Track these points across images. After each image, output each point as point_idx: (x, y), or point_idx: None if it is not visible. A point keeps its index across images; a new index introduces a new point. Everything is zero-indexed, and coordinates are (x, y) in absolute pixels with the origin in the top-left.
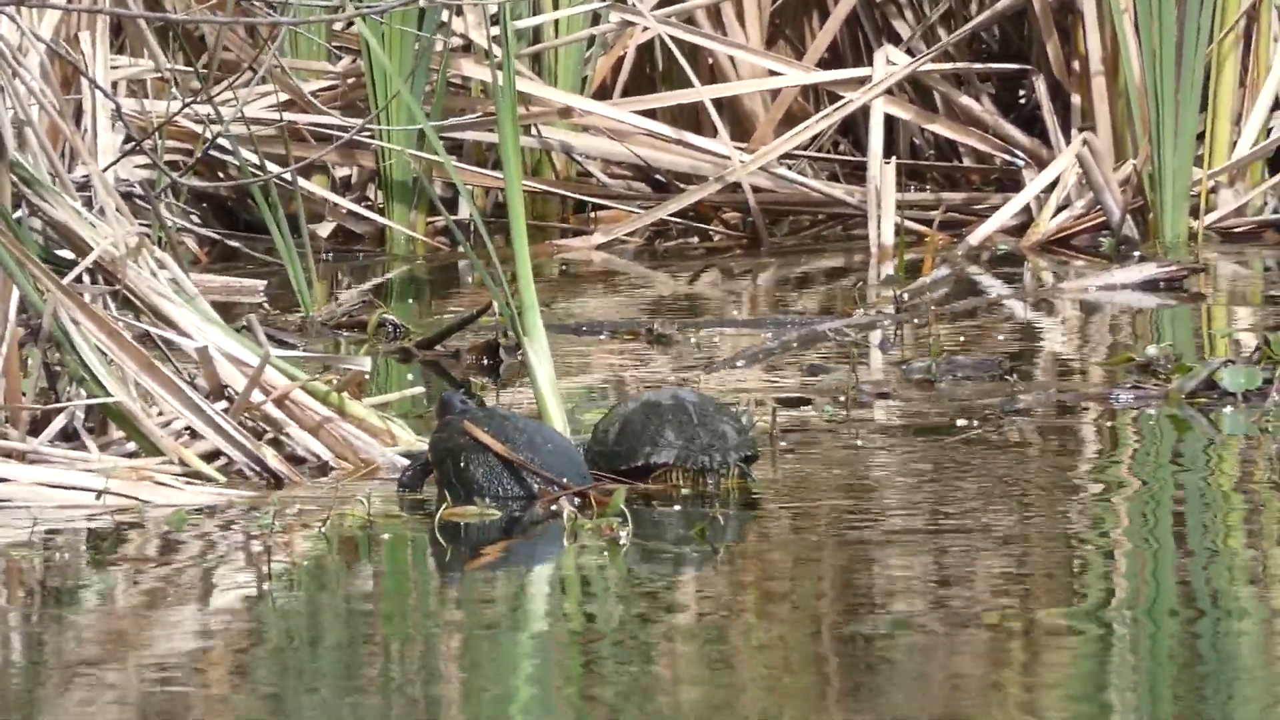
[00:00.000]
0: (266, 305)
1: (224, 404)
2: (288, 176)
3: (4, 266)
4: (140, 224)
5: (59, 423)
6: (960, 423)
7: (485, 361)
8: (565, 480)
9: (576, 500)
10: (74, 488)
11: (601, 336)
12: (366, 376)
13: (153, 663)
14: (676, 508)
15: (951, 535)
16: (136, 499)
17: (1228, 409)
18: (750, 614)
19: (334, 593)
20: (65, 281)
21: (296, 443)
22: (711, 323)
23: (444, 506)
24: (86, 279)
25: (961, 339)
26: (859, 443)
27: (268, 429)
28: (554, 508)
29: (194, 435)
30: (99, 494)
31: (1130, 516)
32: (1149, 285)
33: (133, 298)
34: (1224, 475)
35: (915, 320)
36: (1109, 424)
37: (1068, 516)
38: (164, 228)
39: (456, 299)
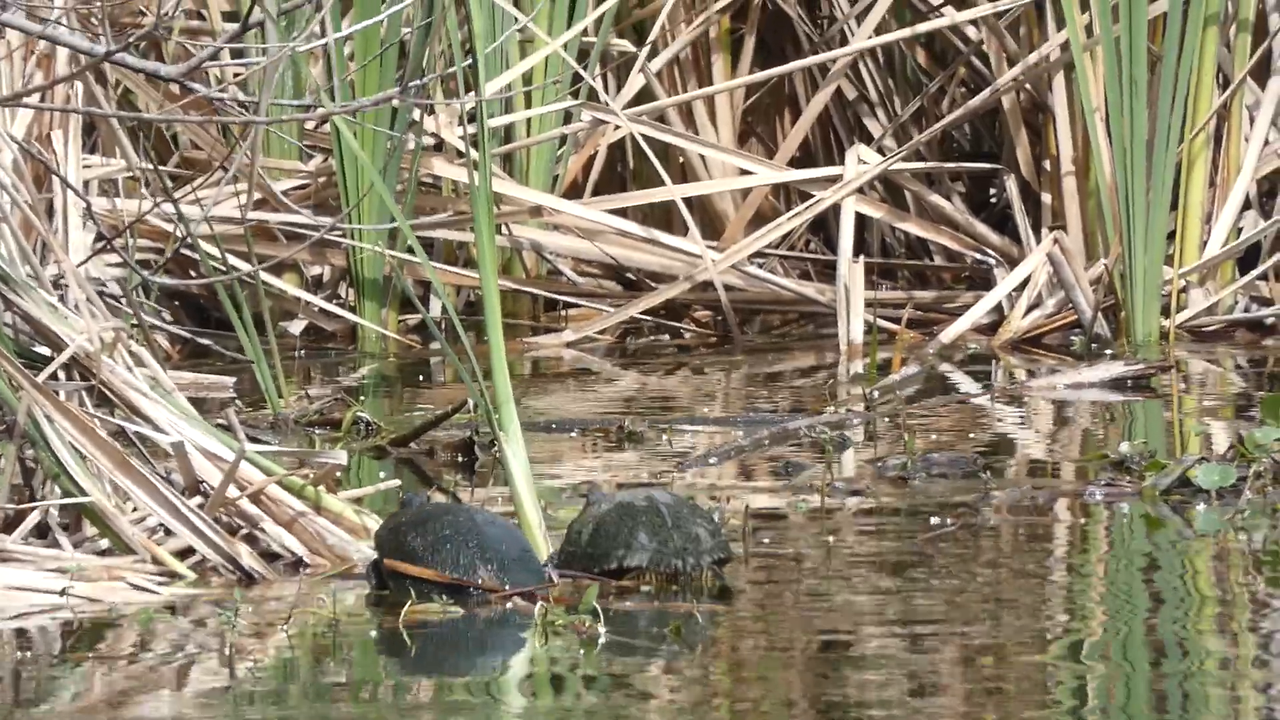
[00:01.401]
0: (238, 403)
1: (199, 499)
2: (256, 275)
3: None
4: (113, 322)
5: (33, 520)
6: (934, 520)
7: (460, 459)
8: (508, 562)
9: (533, 596)
10: (37, 590)
11: (572, 434)
12: (342, 471)
13: None
14: (648, 605)
15: (925, 639)
16: (99, 600)
17: (1201, 506)
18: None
19: (299, 694)
20: (40, 378)
21: (271, 538)
22: (682, 420)
23: (408, 605)
24: (62, 375)
25: (933, 436)
26: (831, 539)
27: (242, 524)
28: (508, 605)
29: (169, 532)
30: (62, 592)
31: (1103, 615)
32: (1116, 384)
33: (108, 393)
34: (1197, 574)
35: (884, 418)
36: (1082, 521)
37: (1040, 616)
38: (139, 324)
39: (429, 396)
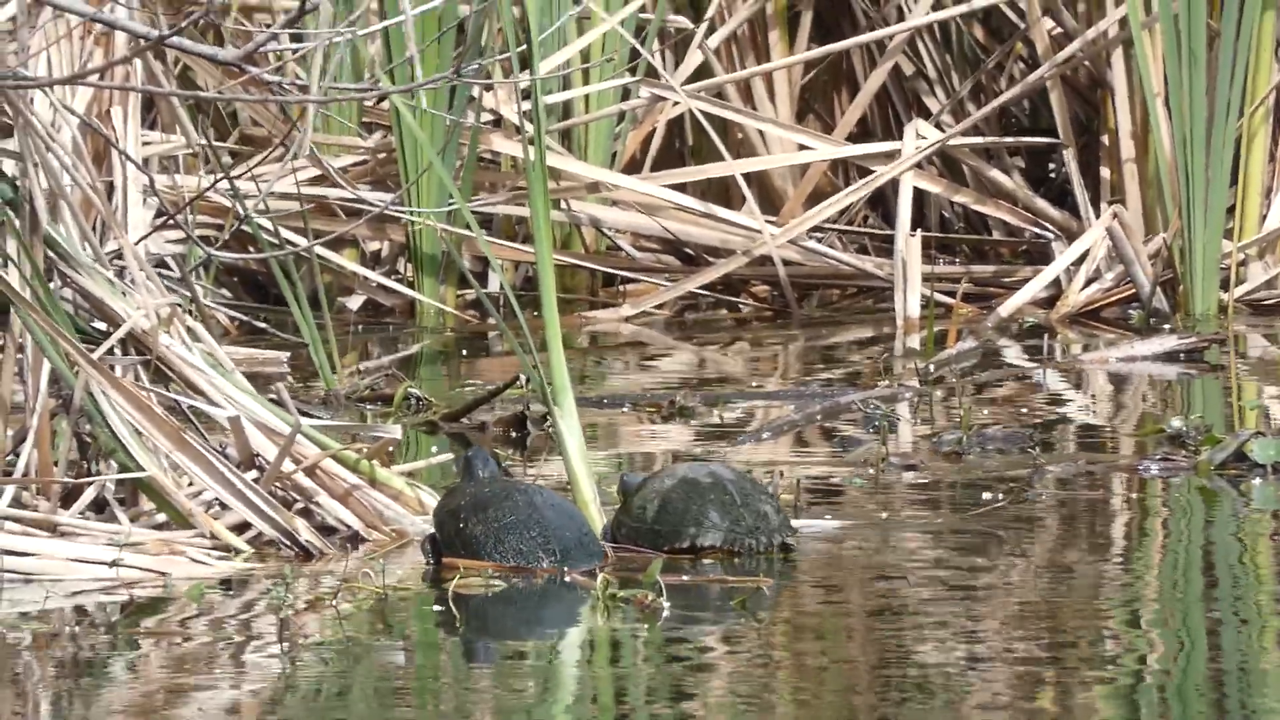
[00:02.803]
0: (290, 378)
1: (254, 473)
2: (311, 250)
3: (36, 340)
4: (170, 298)
5: (89, 494)
6: (985, 495)
7: (512, 434)
8: (570, 548)
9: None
10: (94, 563)
11: (624, 409)
12: (396, 444)
13: None
14: (708, 579)
15: (981, 609)
16: (157, 573)
17: (1257, 480)
18: (797, 686)
19: (356, 668)
20: (97, 355)
21: (327, 512)
22: (733, 396)
23: (454, 578)
24: (118, 350)
25: (985, 411)
26: (884, 515)
27: (298, 499)
28: (567, 580)
29: (224, 507)
30: (112, 564)
31: (1158, 588)
32: (1170, 357)
33: (164, 368)
34: (1249, 547)
35: (938, 392)
36: (1136, 495)
37: (1095, 587)
38: (196, 301)
39: (485, 372)
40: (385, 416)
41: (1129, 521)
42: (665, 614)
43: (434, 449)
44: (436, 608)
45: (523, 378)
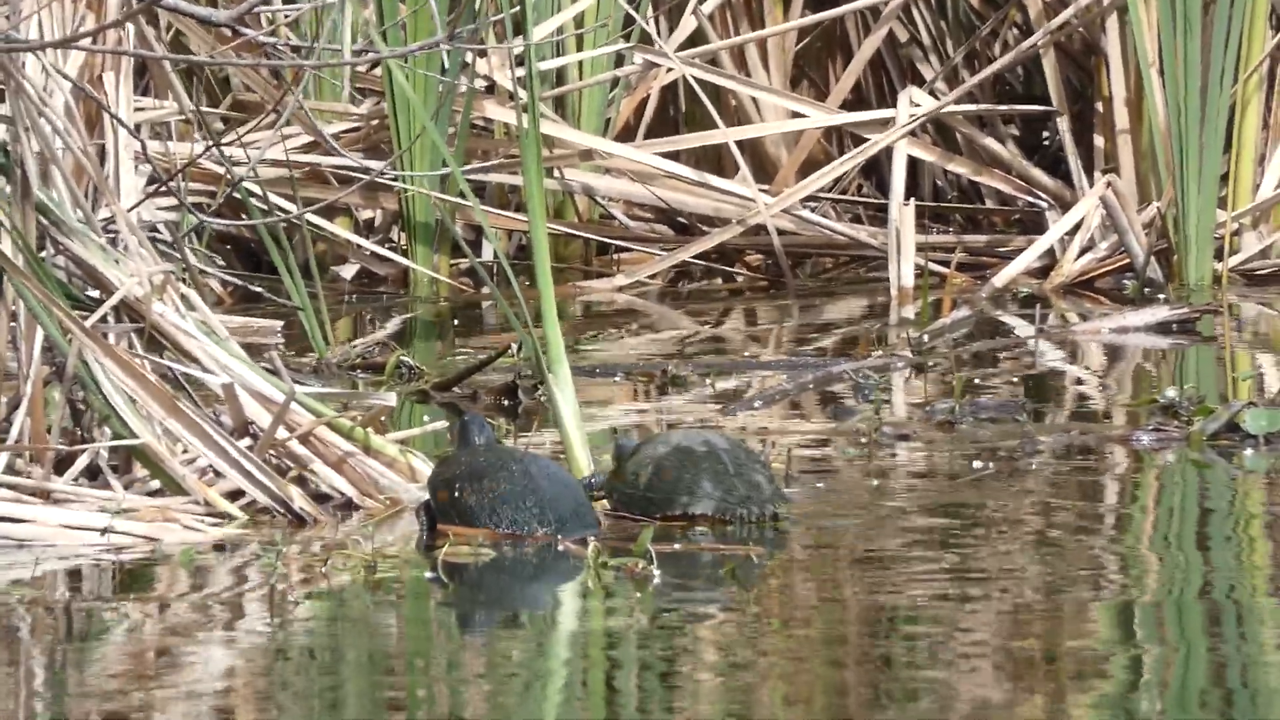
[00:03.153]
0: (280, 347)
1: (248, 441)
2: (301, 218)
3: (29, 307)
4: (163, 265)
5: (83, 461)
6: (976, 464)
7: (503, 403)
8: (565, 518)
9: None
10: (88, 529)
11: (616, 379)
12: (390, 412)
13: (119, 701)
14: (699, 548)
15: (970, 579)
16: (146, 537)
17: (1249, 451)
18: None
19: (338, 636)
20: (90, 322)
21: (321, 479)
22: (725, 365)
23: (444, 546)
24: (111, 318)
25: (975, 381)
26: (875, 483)
27: (292, 466)
28: (560, 548)
29: (218, 474)
30: (103, 532)
31: (1141, 556)
32: (1162, 327)
33: (158, 336)
34: (1238, 515)
35: (929, 362)
36: (1127, 465)
37: (1083, 558)
38: (188, 268)
39: (479, 340)
40: (377, 385)
41: (1118, 491)
42: (655, 582)
43: (426, 418)
44: (427, 575)
45: (514, 346)
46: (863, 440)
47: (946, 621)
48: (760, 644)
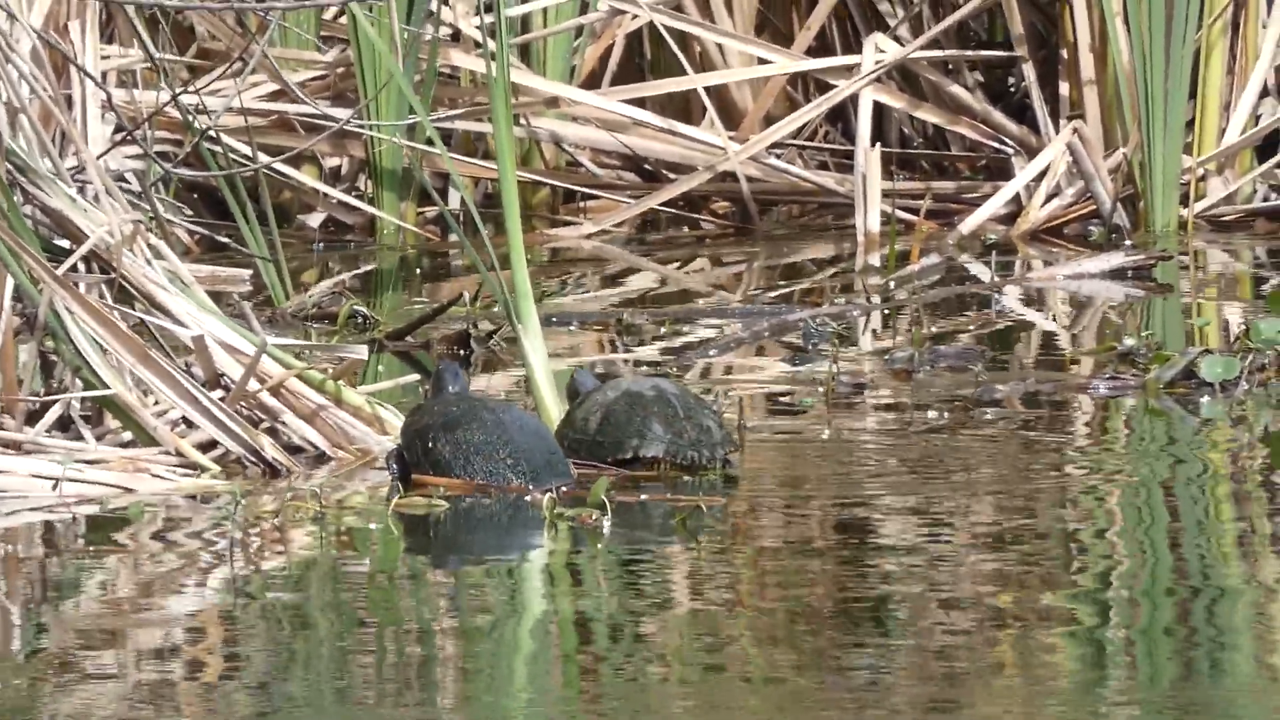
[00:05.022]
0: (236, 296)
1: (220, 393)
2: (258, 168)
3: None
4: (132, 214)
5: (54, 413)
6: (930, 414)
7: (457, 352)
8: (539, 468)
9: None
10: (54, 478)
11: (571, 327)
12: (361, 365)
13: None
14: (645, 497)
15: (920, 526)
16: (117, 486)
17: (1205, 399)
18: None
19: (293, 586)
20: (60, 270)
21: (293, 431)
22: (681, 314)
23: (395, 498)
24: (82, 267)
25: (931, 329)
26: (826, 435)
27: (264, 418)
28: (527, 498)
29: (189, 425)
30: (55, 485)
31: (1092, 502)
32: (1117, 274)
33: (128, 286)
34: (1188, 460)
35: (886, 310)
36: (1081, 413)
37: (1038, 501)
38: (157, 217)
39: (449, 288)
40: (330, 334)
41: (1071, 438)
42: (606, 532)
43: (380, 368)
44: (376, 526)
45: (466, 294)
46: (819, 389)
47: (894, 567)
48: (702, 591)
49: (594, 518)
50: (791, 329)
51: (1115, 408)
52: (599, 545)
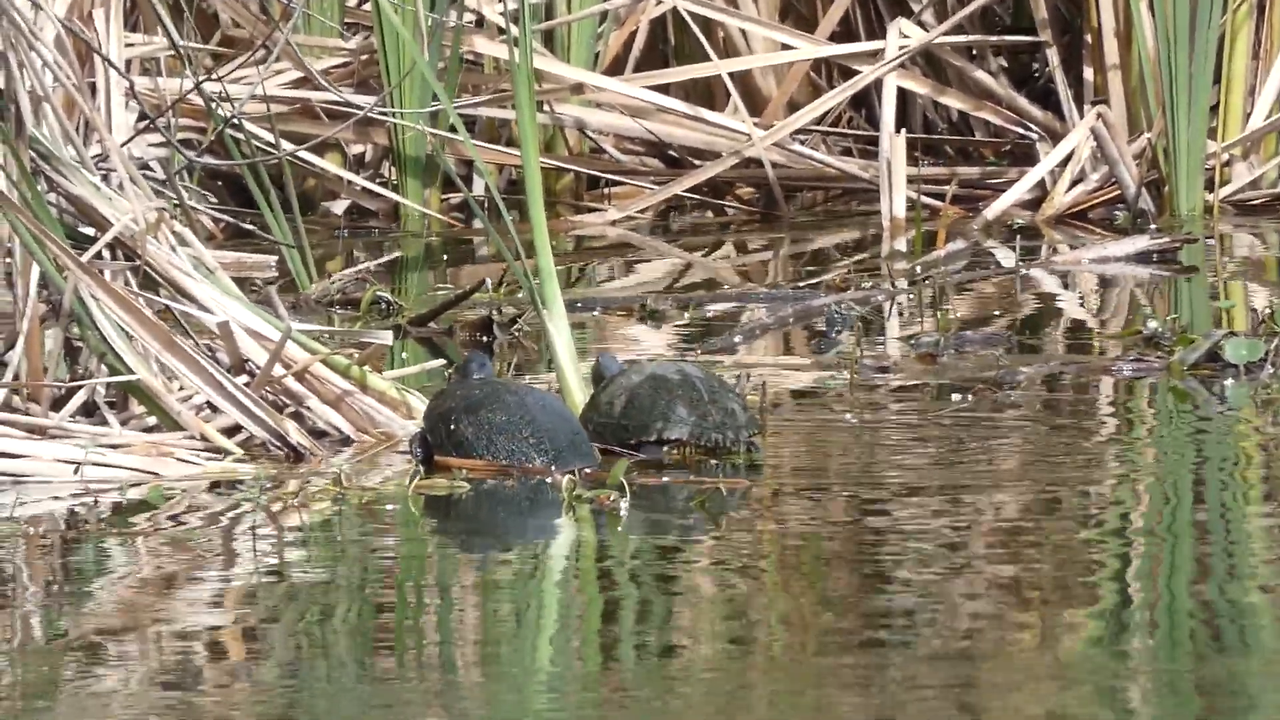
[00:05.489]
0: (259, 283)
1: (245, 378)
2: (281, 156)
3: (24, 244)
4: (157, 202)
5: (80, 398)
6: (955, 397)
7: (480, 338)
8: (562, 449)
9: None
10: (80, 463)
11: (595, 312)
12: (386, 350)
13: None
14: (667, 479)
15: (941, 512)
16: (143, 470)
17: (1229, 381)
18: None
19: (308, 566)
20: (85, 258)
21: (317, 416)
22: (704, 299)
23: (415, 479)
24: (106, 255)
25: (956, 314)
26: (849, 417)
27: (289, 403)
28: (549, 480)
29: (214, 410)
30: (76, 469)
31: (1115, 484)
32: (1142, 257)
33: (153, 273)
34: (1210, 443)
35: (910, 296)
36: (1105, 395)
37: (1062, 486)
38: (181, 204)
39: (470, 275)
40: (353, 320)
41: (1097, 421)
42: (624, 514)
43: (404, 355)
44: (394, 507)
45: (489, 281)
46: (844, 373)
47: (916, 548)
48: (718, 573)
49: (612, 499)
50: (816, 315)
51: (1138, 389)
52: (617, 528)
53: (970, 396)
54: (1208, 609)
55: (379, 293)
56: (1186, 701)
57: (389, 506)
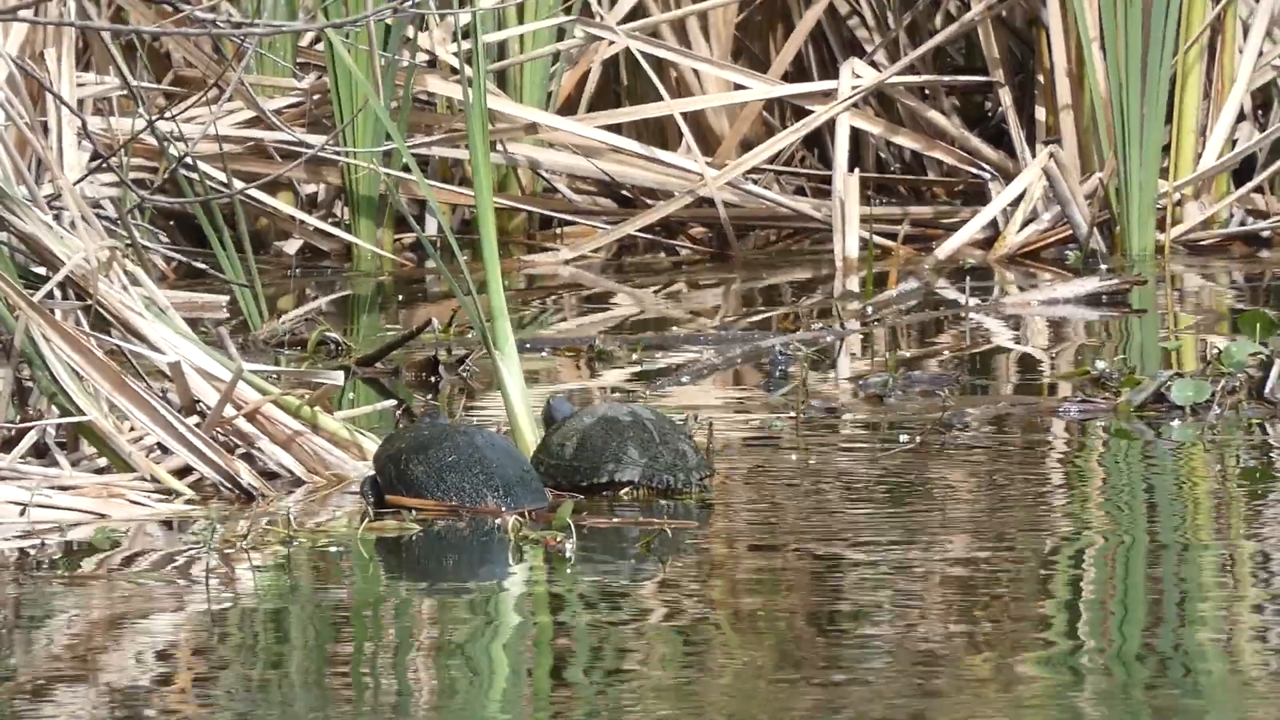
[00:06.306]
0: (206, 325)
1: (196, 419)
2: (233, 196)
3: None
4: (109, 241)
5: (30, 439)
6: (903, 438)
7: (426, 378)
8: (513, 486)
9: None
10: (28, 504)
11: (543, 354)
12: (337, 391)
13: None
14: (616, 520)
15: (885, 551)
16: (92, 512)
17: (1175, 422)
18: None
19: (261, 612)
20: (37, 297)
21: (268, 457)
22: (653, 340)
23: (364, 521)
24: (58, 294)
25: (906, 354)
26: (794, 458)
27: (240, 444)
28: (498, 521)
29: (165, 451)
30: (23, 511)
31: (1060, 522)
32: (1091, 299)
33: (104, 312)
34: (1158, 484)
35: (860, 336)
36: (1051, 437)
37: (1003, 525)
38: (134, 243)
39: (422, 315)
40: (300, 361)
41: (1039, 461)
42: (569, 555)
43: (350, 395)
44: (334, 550)
45: (435, 321)
46: (790, 414)
47: (858, 585)
48: (654, 612)
49: (559, 540)
50: (765, 355)
51: (1085, 431)
52: (565, 569)
53: (918, 438)
54: (1160, 653)
55: (326, 333)
56: None
57: (334, 549)
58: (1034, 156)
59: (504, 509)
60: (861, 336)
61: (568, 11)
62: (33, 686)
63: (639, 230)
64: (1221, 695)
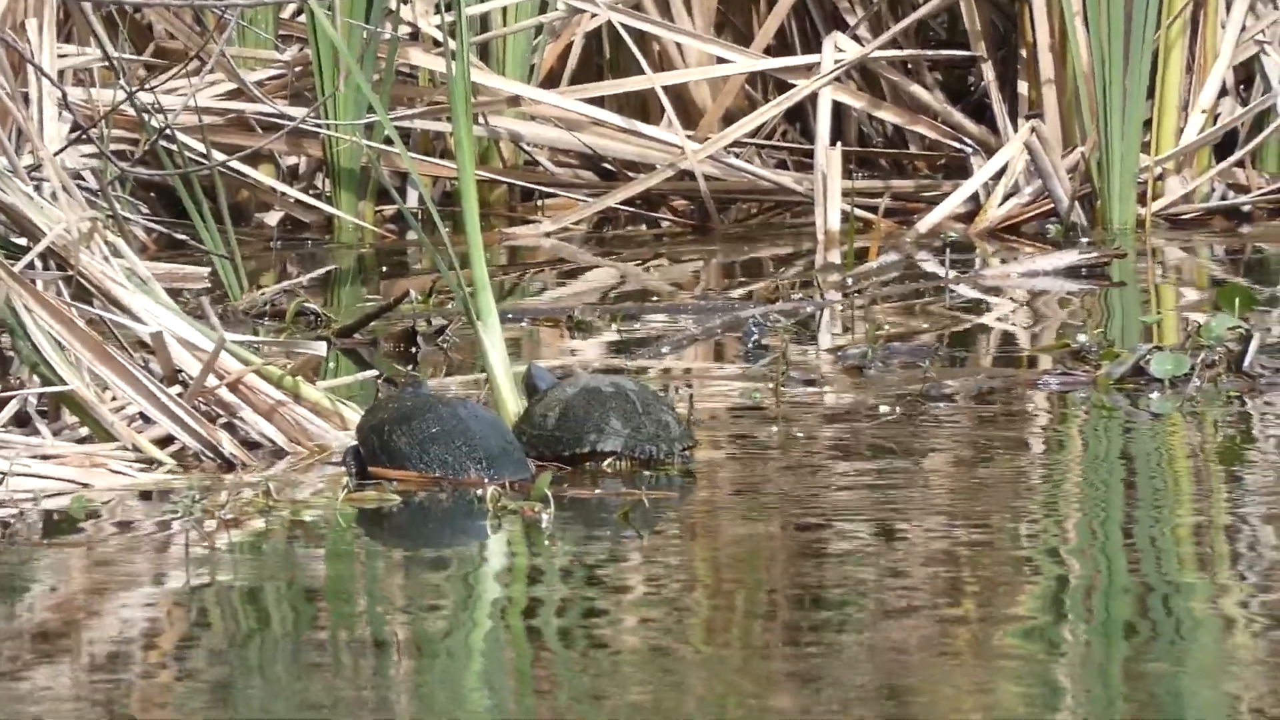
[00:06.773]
0: (193, 294)
1: (177, 389)
2: (213, 167)
3: None
4: (90, 212)
5: (11, 409)
6: (882, 409)
7: (404, 349)
8: (495, 456)
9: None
10: (12, 474)
11: (522, 324)
12: (319, 361)
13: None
14: (598, 491)
15: (865, 522)
16: (75, 482)
17: (1154, 395)
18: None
19: (255, 579)
20: (18, 268)
21: (251, 427)
22: (632, 309)
23: (344, 492)
24: (39, 265)
25: (885, 327)
26: (774, 430)
27: (222, 414)
28: (478, 492)
29: (147, 421)
30: (2, 479)
31: (1035, 496)
32: (1071, 272)
33: (86, 283)
34: (1134, 456)
35: (839, 306)
36: (1030, 409)
37: (980, 499)
38: (114, 215)
39: (403, 287)
40: (279, 332)
41: (1017, 433)
42: (546, 526)
43: (331, 364)
44: (309, 518)
45: (414, 292)
46: (769, 384)
47: (843, 557)
48: (633, 585)
49: (536, 510)
50: (743, 325)
51: (1064, 403)
52: (542, 540)
53: (897, 409)
54: (1143, 626)
55: (305, 304)
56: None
57: (311, 518)
58: (1016, 131)
59: (487, 480)
60: (843, 308)
61: None
62: (9, 659)
63: (620, 203)
64: (1201, 662)
